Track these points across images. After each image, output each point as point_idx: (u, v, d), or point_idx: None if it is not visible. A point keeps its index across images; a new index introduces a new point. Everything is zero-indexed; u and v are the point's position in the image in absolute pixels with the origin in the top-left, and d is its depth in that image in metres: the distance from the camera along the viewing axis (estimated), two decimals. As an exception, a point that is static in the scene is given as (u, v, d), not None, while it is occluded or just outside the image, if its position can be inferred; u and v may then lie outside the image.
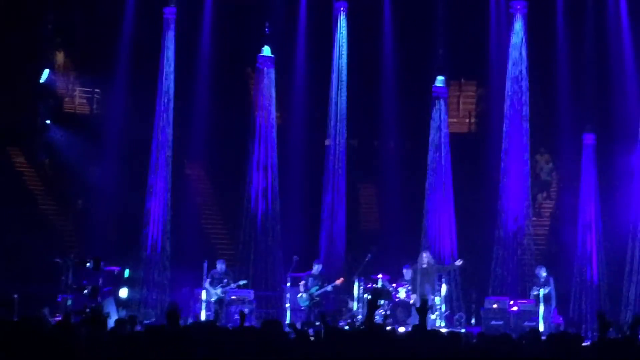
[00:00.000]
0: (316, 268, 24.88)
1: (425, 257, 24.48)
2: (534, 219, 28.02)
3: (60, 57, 30.59)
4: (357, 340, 11.19)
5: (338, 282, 25.00)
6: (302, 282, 24.70)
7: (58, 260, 23.49)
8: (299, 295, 24.65)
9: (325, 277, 25.04)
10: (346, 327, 22.07)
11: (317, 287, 24.57)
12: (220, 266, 24.93)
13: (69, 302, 22.53)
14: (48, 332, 11.58)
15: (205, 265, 24.71)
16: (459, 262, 25.31)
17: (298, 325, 22.39)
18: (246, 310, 24.84)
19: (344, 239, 27.45)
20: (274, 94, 27.80)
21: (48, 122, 29.60)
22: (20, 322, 12.32)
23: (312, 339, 11.74)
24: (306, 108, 29.52)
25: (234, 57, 29.74)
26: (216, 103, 29.34)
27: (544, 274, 24.73)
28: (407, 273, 24.69)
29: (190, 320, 22.87)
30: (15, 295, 22.42)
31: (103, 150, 28.96)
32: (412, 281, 24.32)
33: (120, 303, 24.54)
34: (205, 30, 28.95)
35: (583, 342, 11.96)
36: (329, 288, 24.80)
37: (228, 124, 29.54)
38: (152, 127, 26.99)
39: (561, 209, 29.82)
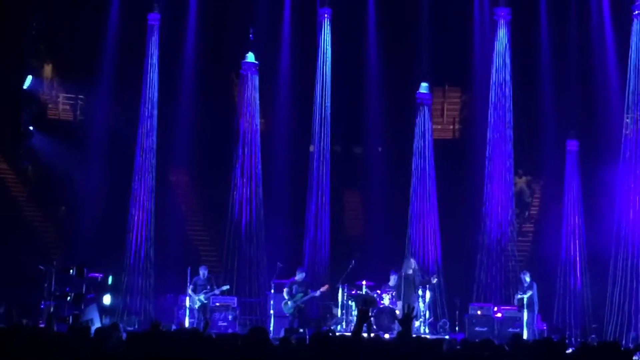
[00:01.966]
0: (300, 275, 24.81)
1: (413, 263, 24.54)
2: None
3: (45, 65, 30.47)
4: (342, 347, 11.18)
5: (323, 288, 24.92)
6: (286, 290, 24.61)
7: (41, 267, 23.41)
8: (283, 303, 24.57)
9: (309, 284, 25.00)
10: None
11: (301, 295, 24.51)
12: (202, 272, 24.81)
13: (52, 309, 22.44)
14: (31, 340, 11.52)
15: (189, 271, 24.63)
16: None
17: (281, 332, 22.44)
18: (230, 317, 24.97)
19: (328, 245, 27.41)
20: (258, 100, 27.78)
21: (31, 128, 29.49)
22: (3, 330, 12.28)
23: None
24: (290, 114, 29.50)
25: (218, 63, 29.72)
26: (200, 109, 29.30)
27: (527, 278, 24.75)
28: (393, 279, 24.70)
29: (174, 328, 22.82)
30: (2, 309, 22.40)
31: (87, 156, 28.88)
32: (397, 288, 24.33)
33: (103, 310, 24.45)
34: (189, 37, 28.93)
35: (567, 349, 11.99)
36: (317, 294, 24.74)
37: (212, 130, 29.52)
38: (136, 134, 26.95)
39: (545, 215, 29.88)
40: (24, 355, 10.34)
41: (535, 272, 25.81)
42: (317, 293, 24.75)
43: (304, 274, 25.00)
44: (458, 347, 12.74)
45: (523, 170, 30.01)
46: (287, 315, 24.56)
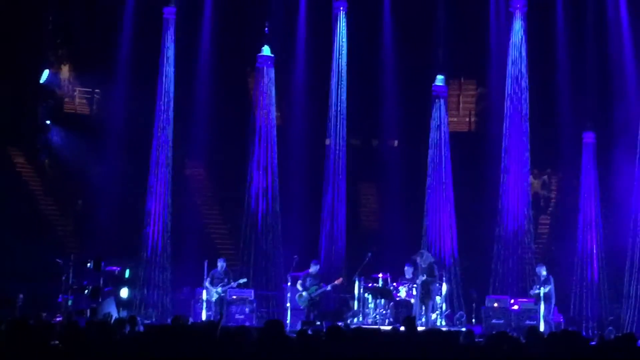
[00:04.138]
0: (314, 268, 24.81)
1: (428, 257, 24.48)
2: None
3: (62, 60, 30.53)
4: (359, 339, 11.20)
5: (337, 282, 24.95)
6: (300, 282, 24.62)
7: (59, 260, 23.53)
8: (297, 295, 24.60)
9: (322, 277, 25.01)
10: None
11: (315, 287, 24.52)
12: (221, 264, 24.88)
13: (70, 303, 22.57)
14: (46, 332, 11.58)
15: (205, 264, 24.68)
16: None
17: (298, 325, 22.48)
18: (247, 310, 25.01)
19: (344, 238, 27.43)
20: (273, 94, 27.79)
21: (48, 122, 29.61)
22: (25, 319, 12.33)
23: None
24: (306, 107, 29.51)
25: (234, 56, 29.74)
26: (216, 103, 29.34)
27: (544, 272, 24.68)
28: (408, 271, 24.68)
29: (191, 320, 22.87)
30: (21, 295, 22.50)
31: (103, 150, 28.97)
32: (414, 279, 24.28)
33: (120, 303, 24.55)
34: (205, 30, 28.95)
35: (589, 342, 11.94)
36: (328, 288, 24.75)
37: (228, 124, 29.56)
38: (152, 127, 27.00)
39: (561, 207, 29.82)
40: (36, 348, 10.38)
41: (552, 264, 25.80)
42: (328, 287, 24.74)
43: (318, 267, 25.01)
44: (475, 339, 12.74)
45: (539, 170, 29.88)
46: (302, 308, 24.60)
